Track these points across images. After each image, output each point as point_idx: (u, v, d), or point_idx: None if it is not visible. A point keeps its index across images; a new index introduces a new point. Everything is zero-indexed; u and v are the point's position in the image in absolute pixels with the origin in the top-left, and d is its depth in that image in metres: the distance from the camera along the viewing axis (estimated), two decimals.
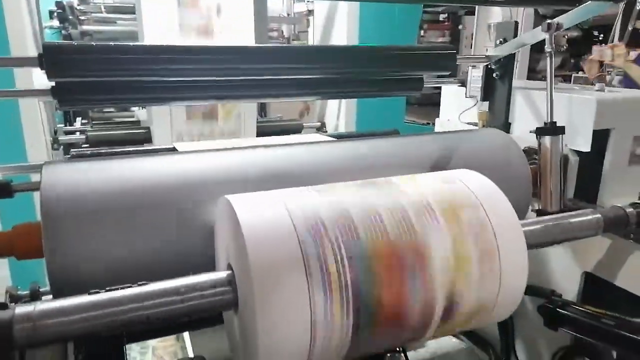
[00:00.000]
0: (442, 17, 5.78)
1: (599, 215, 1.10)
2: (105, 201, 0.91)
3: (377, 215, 0.79)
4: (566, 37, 7.70)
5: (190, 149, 1.22)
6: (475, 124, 1.70)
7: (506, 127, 1.57)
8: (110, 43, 1.17)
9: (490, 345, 1.71)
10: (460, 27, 5.61)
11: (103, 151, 1.33)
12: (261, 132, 2.33)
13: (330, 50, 1.59)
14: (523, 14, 3.77)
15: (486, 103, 1.65)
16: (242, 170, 1.07)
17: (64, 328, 0.69)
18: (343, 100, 2.44)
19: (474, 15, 4.35)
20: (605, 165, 1.41)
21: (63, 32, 4.52)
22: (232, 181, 1.02)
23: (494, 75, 1.58)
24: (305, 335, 0.71)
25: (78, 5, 4.18)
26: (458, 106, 1.77)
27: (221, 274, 0.79)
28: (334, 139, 1.34)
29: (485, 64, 1.58)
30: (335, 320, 0.72)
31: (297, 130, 2.53)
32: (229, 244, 0.81)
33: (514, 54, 1.53)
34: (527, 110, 1.52)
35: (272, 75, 1.39)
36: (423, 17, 5.04)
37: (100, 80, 1.24)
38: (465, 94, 1.69)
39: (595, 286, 1.36)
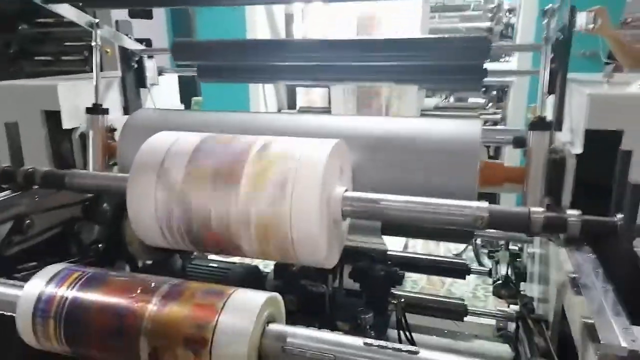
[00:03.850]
0: None
1: (484, 208, 1.04)
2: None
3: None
4: None
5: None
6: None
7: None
8: (221, 39, 1.80)
9: None
10: None
11: None
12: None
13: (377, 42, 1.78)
14: None
15: None
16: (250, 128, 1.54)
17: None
18: (511, 95, 2.37)
19: None
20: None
21: None
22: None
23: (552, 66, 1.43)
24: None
25: None
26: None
27: None
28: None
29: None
30: None
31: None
32: None
33: (566, 43, 1.36)
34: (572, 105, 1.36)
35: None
36: None
37: (222, 65, 1.89)
38: None
39: None
